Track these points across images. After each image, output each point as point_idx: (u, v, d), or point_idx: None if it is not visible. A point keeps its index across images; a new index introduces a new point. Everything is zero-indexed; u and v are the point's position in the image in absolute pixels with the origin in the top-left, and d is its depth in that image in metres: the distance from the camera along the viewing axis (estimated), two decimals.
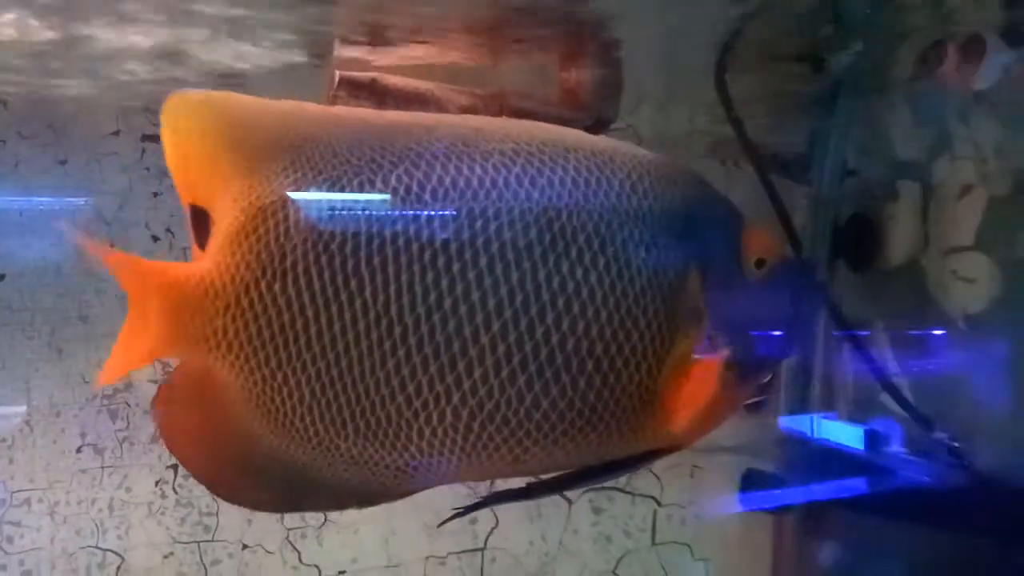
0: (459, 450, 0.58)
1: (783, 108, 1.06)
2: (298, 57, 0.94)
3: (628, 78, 0.97)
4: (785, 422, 1.09)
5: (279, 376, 0.56)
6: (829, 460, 1.03)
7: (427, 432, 0.57)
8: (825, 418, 1.07)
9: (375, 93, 0.85)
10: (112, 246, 1.04)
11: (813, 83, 0.97)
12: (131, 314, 0.58)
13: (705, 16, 0.90)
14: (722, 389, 0.59)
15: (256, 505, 0.66)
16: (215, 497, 1.02)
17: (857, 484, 0.97)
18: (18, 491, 1.03)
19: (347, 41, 0.89)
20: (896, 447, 0.97)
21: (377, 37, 0.88)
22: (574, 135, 0.61)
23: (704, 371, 0.59)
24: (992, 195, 0.89)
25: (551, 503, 1.22)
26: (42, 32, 0.85)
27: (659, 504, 1.25)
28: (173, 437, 0.61)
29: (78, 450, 1.05)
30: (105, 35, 0.87)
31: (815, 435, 1.04)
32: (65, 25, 0.85)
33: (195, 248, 0.59)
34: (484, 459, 0.58)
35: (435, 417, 0.56)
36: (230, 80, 0.99)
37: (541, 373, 0.56)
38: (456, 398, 0.56)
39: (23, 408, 1.03)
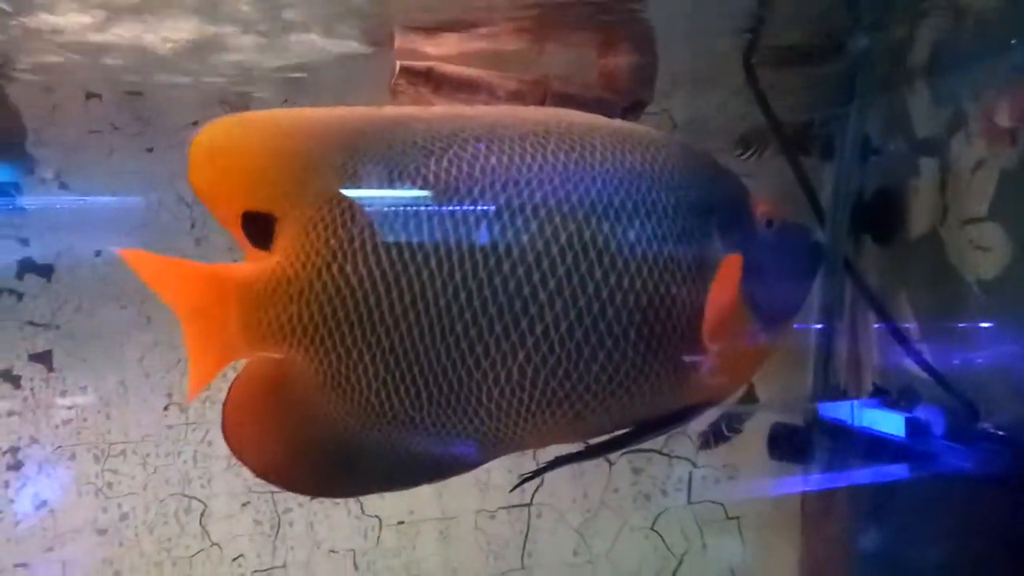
0: (525, 410, 0.61)
1: (808, 90, 1.10)
2: (359, 47, 1.00)
3: (662, 64, 1.02)
4: (824, 409, 1.12)
5: (354, 354, 0.59)
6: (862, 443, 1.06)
7: (495, 392, 0.60)
8: (864, 405, 1.09)
9: (432, 80, 0.90)
10: (192, 227, 1.16)
11: (833, 65, 1.01)
12: (190, 323, 0.61)
13: (734, 3, 0.94)
14: (747, 332, 0.64)
15: (327, 492, 0.70)
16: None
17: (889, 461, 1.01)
18: (115, 443, 1.14)
19: (405, 31, 0.95)
20: (937, 432, 0.98)
21: (432, 28, 0.94)
22: (592, 118, 0.66)
23: (736, 314, 0.63)
24: (1003, 168, 0.95)
25: (594, 464, 1.29)
26: (124, 33, 0.93)
27: (694, 465, 1.31)
28: (244, 444, 0.64)
29: (165, 408, 1.16)
30: (178, 34, 0.94)
31: (853, 422, 1.06)
32: (143, 27, 0.92)
33: (251, 252, 0.62)
34: (548, 418, 0.62)
35: (503, 376, 0.60)
36: (293, 72, 1.06)
37: (596, 326, 0.60)
38: (521, 356, 0.60)
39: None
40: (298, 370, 0.61)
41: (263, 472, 0.66)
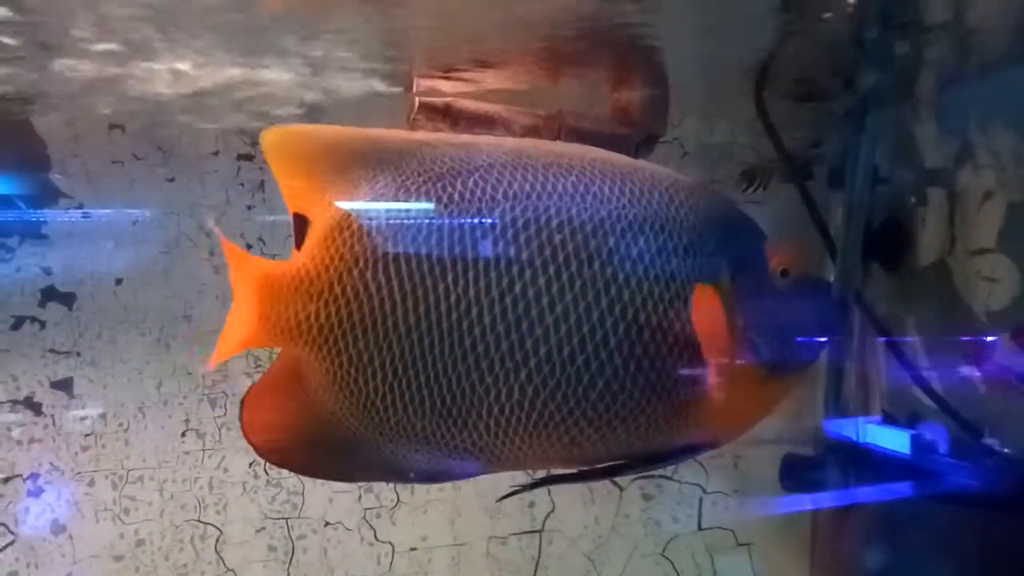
0: (522, 429, 0.63)
1: (817, 123, 1.12)
2: (379, 86, 1.03)
3: (673, 96, 1.04)
4: (830, 426, 1.13)
5: (364, 357, 0.62)
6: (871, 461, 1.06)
7: (495, 409, 0.62)
8: (870, 422, 1.10)
9: (449, 116, 0.93)
10: (211, 255, 1.18)
11: (843, 100, 1.04)
12: (234, 305, 0.65)
13: (744, 40, 0.96)
14: (756, 387, 0.64)
15: (318, 475, 0.73)
16: (299, 477, 1.18)
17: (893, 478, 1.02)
18: (133, 469, 1.15)
19: (424, 72, 0.98)
20: (941, 449, 0.99)
21: (450, 67, 0.97)
22: (616, 156, 0.69)
23: (739, 369, 0.64)
24: (1011, 200, 0.96)
25: (604, 490, 1.31)
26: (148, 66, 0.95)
27: (704, 492, 1.32)
28: (255, 427, 0.66)
29: (182, 434, 1.17)
30: (200, 71, 0.96)
31: (860, 439, 1.07)
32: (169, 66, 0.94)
33: (295, 251, 0.66)
34: (543, 440, 0.63)
35: (503, 394, 0.62)
36: (313, 106, 1.08)
37: (597, 355, 0.61)
38: (523, 376, 0.61)
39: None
40: (311, 367, 0.64)
41: (264, 452, 0.69)
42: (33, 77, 0.95)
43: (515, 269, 0.62)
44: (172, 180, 1.17)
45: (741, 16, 0.88)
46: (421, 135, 0.69)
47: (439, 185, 0.64)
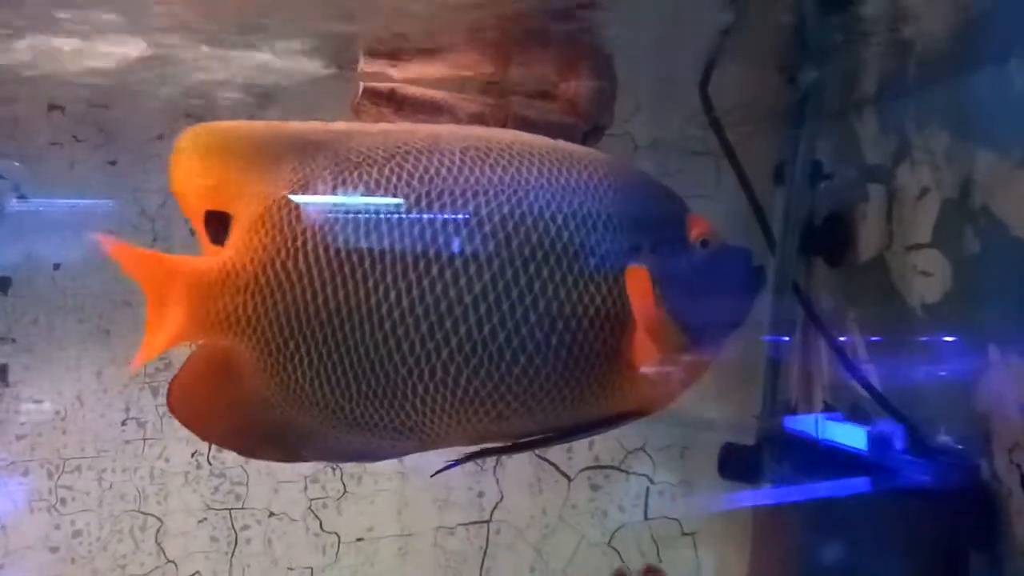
0: (449, 407, 0.65)
1: (759, 118, 1.14)
2: (324, 69, 1.02)
3: (625, 89, 1.05)
4: (789, 422, 1.15)
5: (291, 345, 0.63)
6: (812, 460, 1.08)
7: (420, 388, 0.64)
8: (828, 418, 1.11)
9: (394, 101, 0.92)
10: (154, 241, 1.16)
11: (785, 95, 1.05)
12: (153, 305, 0.65)
13: (692, 33, 0.98)
14: (679, 355, 0.66)
15: (263, 456, 0.74)
16: (243, 467, 1.17)
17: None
18: (70, 459, 1.13)
19: (370, 56, 0.97)
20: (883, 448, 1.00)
21: (396, 53, 0.96)
22: (537, 137, 0.69)
23: (655, 329, 0.65)
24: (945, 197, 0.99)
25: (552, 480, 1.31)
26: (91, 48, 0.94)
27: (651, 482, 1.34)
28: (187, 412, 0.68)
29: (123, 423, 1.15)
30: (150, 52, 0.95)
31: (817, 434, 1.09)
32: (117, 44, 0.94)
33: (208, 247, 0.67)
34: (471, 416, 0.65)
35: (427, 373, 0.63)
36: (261, 89, 1.08)
37: (518, 330, 0.63)
38: (444, 354, 0.63)
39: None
40: (241, 357, 0.65)
41: (206, 437, 0.73)
42: None
43: (431, 251, 0.63)
44: (114, 163, 1.14)
45: (692, 6, 0.89)
46: (336, 125, 0.70)
47: (356, 173, 0.65)
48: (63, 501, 1.13)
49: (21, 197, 1.11)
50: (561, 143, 0.70)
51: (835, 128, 1.11)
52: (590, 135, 1.00)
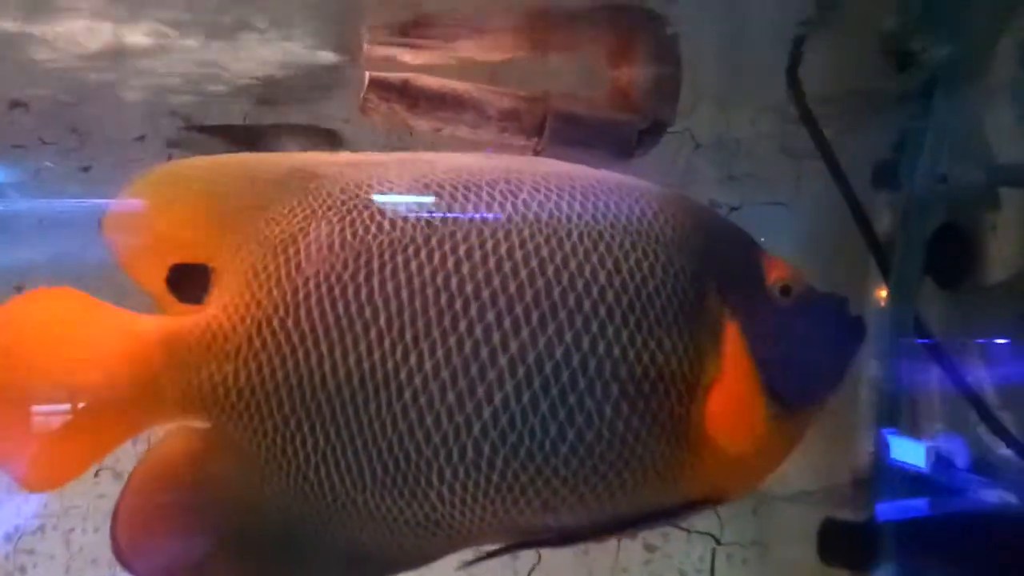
0: (482, 496, 0.56)
1: (861, 108, 1.00)
2: (326, 58, 0.93)
3: (684, 76, 0.94)
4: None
5: (292, 422, 0.56)
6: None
7: (447, 474, 0.56)
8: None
9: (407, 95, 0.82)
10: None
11: (899, 80, 0.91)
12: (104, 381, 0.56)
13: (775, 6, 0.87)
14: (765, 428, 0.58)
15: None
16: None
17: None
18: (32, 518, 1.02)
19: (378, 40, 0.87)
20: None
21: (410, 33, 0.87)
22: (576, 167, 0.63)
23: (745, 393, 0.57)
24: None
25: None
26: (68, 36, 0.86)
27: (718, 543, 1.19)
28: (142, 553, 0.57)
29: (96, 474, 1.02)
30: (130, 39, 0.87)
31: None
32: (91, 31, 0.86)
33: (176, 307, 0.59)
34: (511, 507, 0.57)
35: (455, 453, 0.55)
36: (257, 85, 0.99)
37: (564, 400, 0.55)
38: (476, 430, 0.55)
39: None
40: (226, 442, 0.57)
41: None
42: None
43: (458, 304, 0.56)
44: (87, 169, 1.04)
45: None
46: (341, 156, 0.64)
47: (366, 214, 0.59)
48: (22, 569, 1.02)
49: None
50: (605, 173, 0.63)
51: (956, 119, 0.94)
52: (647, 134, 0.90)
